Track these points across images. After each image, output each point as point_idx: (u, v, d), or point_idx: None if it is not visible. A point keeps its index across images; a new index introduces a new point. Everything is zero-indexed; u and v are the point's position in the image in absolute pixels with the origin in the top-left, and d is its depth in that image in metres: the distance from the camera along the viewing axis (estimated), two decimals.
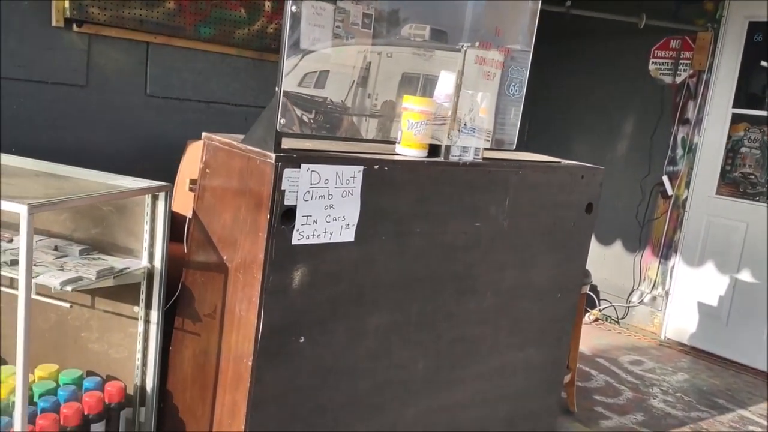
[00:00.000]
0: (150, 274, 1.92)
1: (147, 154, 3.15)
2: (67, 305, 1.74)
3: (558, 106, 4.85)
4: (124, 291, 1.93)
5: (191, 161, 2.94)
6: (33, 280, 1.62)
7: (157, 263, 1.91)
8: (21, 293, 1.49)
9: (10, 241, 1.93)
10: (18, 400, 1.53)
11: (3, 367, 1.94)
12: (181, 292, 1.93)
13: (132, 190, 1.82)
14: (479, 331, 2.23)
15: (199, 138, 3.01)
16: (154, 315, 1.93)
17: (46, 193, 1.67)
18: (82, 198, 1.70)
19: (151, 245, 1.91)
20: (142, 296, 1.93)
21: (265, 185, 1.64)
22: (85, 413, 1.77)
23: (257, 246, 1.67)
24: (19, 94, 2.74)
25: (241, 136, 1.78)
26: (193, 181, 2.00)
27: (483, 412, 2.35)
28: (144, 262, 1.91)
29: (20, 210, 1.47)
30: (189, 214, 2.01)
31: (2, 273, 1.72)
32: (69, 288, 1.67)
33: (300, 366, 1.79)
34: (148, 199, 1.89)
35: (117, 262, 1.87)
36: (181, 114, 3.25)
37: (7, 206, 1.51)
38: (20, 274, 1.49)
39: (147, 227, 1.90)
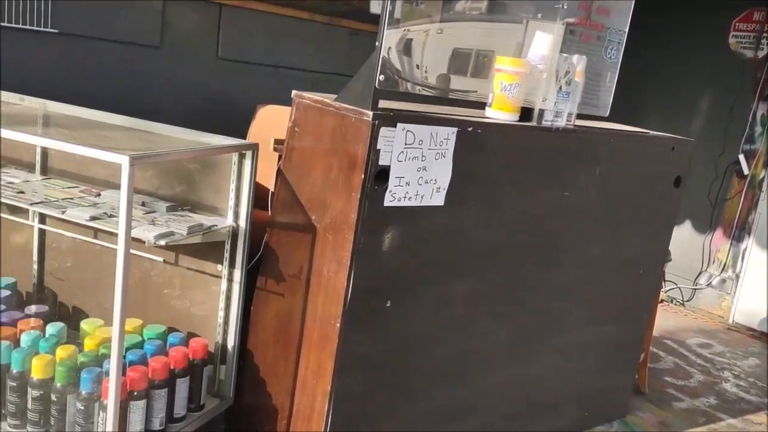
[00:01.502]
0: (234, 233, 1.91)
1: (216, 117, 3.14)
2: (160, 259, 1.74)
3: (628, 80, 4.67)
4: (207, 249, 1.93)
5: (261, 125, 2.92)
6: None
7: (242, 222, 1.90)
8: (120, 246, 1.49)
9: (98, 195, 1.95)
10: (113, 352, 1.54)
11: (88, 319, 1.97)
12: (264, 252, 1.92)
13: (222, 147, 1.80)
14: (561, 304, 2.17)
15: (268, 102, 3.01)
16: (237, 274, 1.93)
17: (142, 147, 1.66)
18: (179, 152, 1.69)
19: (237, 204, 1.89)
20: (226, 255, 1.93)
21: (360, 144, 1.60)
22: (171, 368, 1.78)
23: (349, 206, 1.64)
24: (96, 52, 2.76)
25: (333, 95, 1.74)
26: (278, 141, 1.98)
27: (558, 387, 2.30)
28: (229, 221, 1.90)
29: (122, 161, 1.46)
30: (272, 176, 1.99)
31: (92, 225, 1.73)
32: (162, 242, 1.66)
33: (385, 330, 1.76)
34: (234, 157, 1.87)
35: (204, 220, 1.86)
36: (250, 78, 3.23)
37: (108, 157, 1.51)
38: (120, 226, 1.49)
39: (233, 186, 1.89)
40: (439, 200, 1.75)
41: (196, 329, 2.00)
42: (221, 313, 1.96)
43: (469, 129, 1.75)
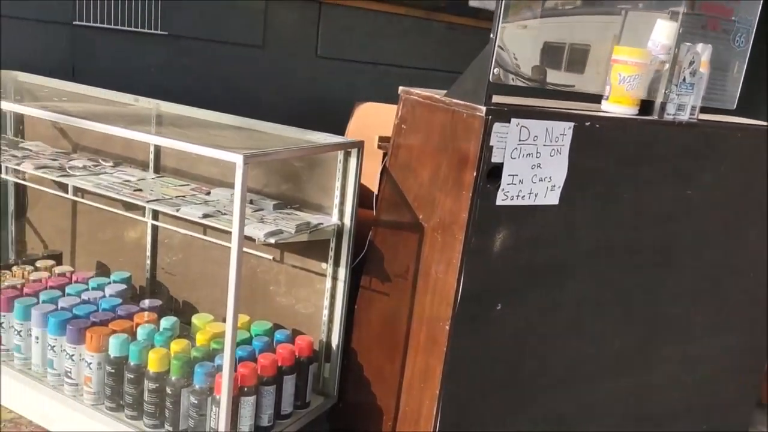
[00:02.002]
0: (339, 232, 1.90)
1: (315, 115, 3.17)
2: (270, 257, 1.76)
3: (758, 70, 4.35)
4: (312, 247, 1.93)
5: (359, 123, 2.92)
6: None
7: (347, 221, 1.88)
8: (234, 243, 1.51)
9: (208, 193, 1.99)
10: (227, 349, 1.56)
11: (199, 314, 2.01)
12: (369, 251, 1.89)
13: (329, 145, 1.79)
14: (677, 310, 2.04)
15: (365, 99, 3.00)
16: (342, 272, 1.92)
17: (252, 145, 1.68)
18: (290, 150, 1.69)
19: (342, 202, 1.88)
20: (331, 253, 1.92)
21: (472, 141, 1.54)
22: (279, 365, 1.79)
23: (460, 205, 1.58)
24: (203, 53, 2.83)
25: (441, 91, 1.69)
26: (382, 139, 1.95)
27: (673, 398, 2.16)
28: (334, 219, 1.89)
29: (236, 160, 1.47)
30: (374, 175, 1.97)
31: (205, 222, 1.76)
32: (272, 240, 1.67)
33: (495, 334, 1.70)
34: (340, 155, 1.85)
35: (310, 218, 1.86)
36: (348, 75, 3.24)
37: (223, 156, 1.53)
38: (234, 224, 1.50)
39: (338, 184, 1.88)
40: (553, 199, 1.67)
41: (301, 326, 2.01)
42: (326, 311, 1.96)
43: (587, 124, 1.66)
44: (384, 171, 1.84)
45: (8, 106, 2.08)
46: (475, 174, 1.54)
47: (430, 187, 1.68)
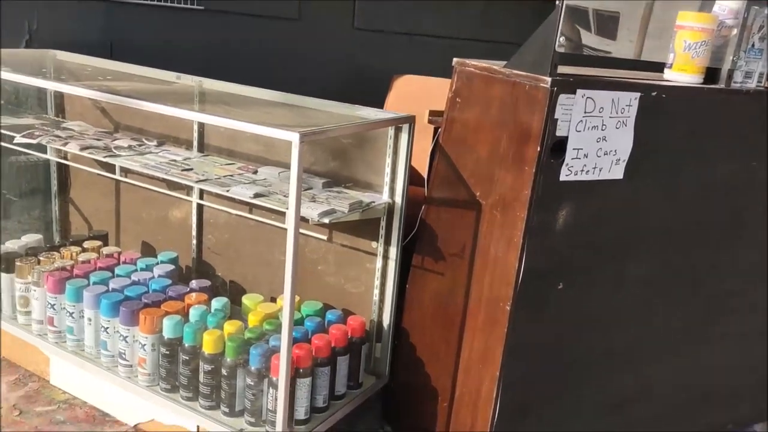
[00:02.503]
0: (390, 210, 1.85)
1: (352, 89, 3.10)
2: (323, 237, 1.72)
3: None
4: (361, 226, 1.89)
5: (397, 96, 2.85)
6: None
7: (398, 198, 1.84)
8: (290, 223, 1.47)
9: (255, 172, 1.95)
10: (284, 330, 1.53)
11: (249, 294, 1.99)
12: (421, 230, 1.85)
13: (382, 120, 1.74)
14: (742, 286, 1.96)
15: (403, 72, 2.92)
16: (393, 251, 1.87)
17: (303, 122, 1.63)
18: (344, 127, 1.64)
19: (393, 180, 1.83)
20: (382, 232, 1.88)
21: (535, 114, 1.48)
22: (333, 345, 1.76)
23: (521, 182, 1.52)
24: (239, 28, 2.77)
25: (500, 62, 1.63)
26: (433, 113, 1.89)
27: (736, 378, 2.10)
28: (385, 197, 1.84)
29: (292, 138, 1.43)
30: (422, 151, 1.92)
31: (256, 202, 1.72)
32: (326, 220, 1.63)
33: (557, 314, 1.65)
34: (391, 131, 1.80)
35: (360, 196, 1.81)
36: (385, 47, 3.16)
37: (279, 134, 1.48)
38: (290, 203, 1.46)
39: (389, 160, 1.82)
40: (618, 173, 1.60)
41: (351, 306, 1.98)
42: (376, 291, 1.92)
43: (653, 94, 1.58)
44: (436, 146, 1.78)
45: (52, 85, 2.06)
46: (538, 148, 1.47)
47: (488, 162, 1.62)
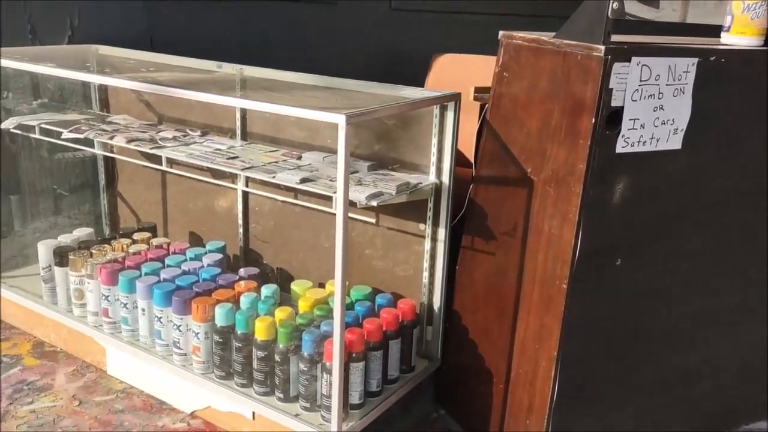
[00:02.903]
0: (437, 190, 1.82)
1: (391, 71, 3.06)
2: (372, 220, 1.70)
3: None
4: (408, 208, 1.86)
5: (438, 75, 2.80)
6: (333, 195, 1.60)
7: (445, 179, 1.80)
8: (339, 207, 1.45)
9: (299, 158, 1.94)
10: (336, 315, 1.52)
11: (298, 281, 1.98)
12: (469, 210, 1.81)
13: (426, 99, 1.70)
14: None
15: (442, 51, 2.87)
16: (441, 233, 1.84)
17: (347, 105, 1.60)
18: (389, 107, 1.61)
19: (439, 160, 1.80)
20: (429, 213, 1.85)
21: (588, 84, 1.42)
22: (384, 329, 1.75)
23: (575, 155, 1.47)
24: (275, 14, 2.76)
25: (548, 33, 1.57)
26: (478, 90, 1.85)
27: None
28: (431, 178, 1.81)
29: (338, 120, 1.40)
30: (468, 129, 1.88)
31: (304, 188, 1.71)
32: (374, 202, 1.61)
33: (614, 290, 1.60)
34: (436, 110, 1.76)
35: (406, 178, 1.79)
36: (423, 27, 3.11)
37: (324, 117, 1.46)
38: (338, 187, 1.44)
39: (435, 140, 1.79)
40: (676, 143, 1.53)
41: (399, 290, 1.96)
42: (425, 274, 1.90)
43: (711, 59, 1.51)
44: (483, 124, 1.74)
45: (97, 79, 2.08)
46: (593, 120, 1.42)
47: (539, 137, 1.57)
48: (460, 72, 2.73)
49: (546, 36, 1.54)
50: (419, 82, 2.76)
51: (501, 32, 1.65)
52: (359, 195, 1.61)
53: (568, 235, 1.51)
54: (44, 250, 2.11)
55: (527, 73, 1.59)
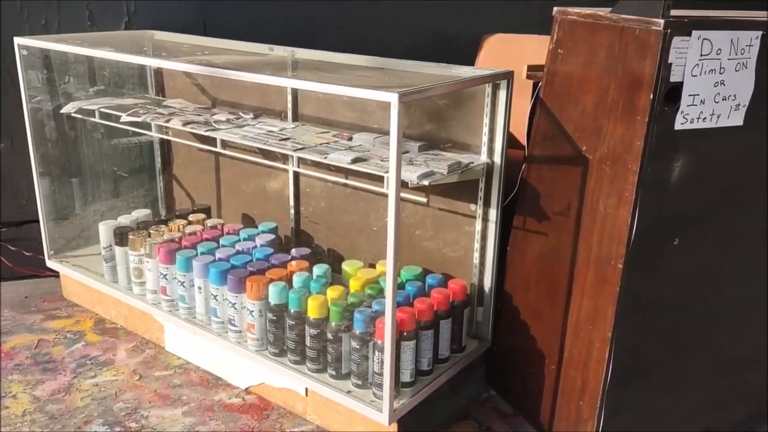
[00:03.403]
0: (489, 170, 1.81)
1: (440, 51, 3.03)
2: (424, 200, 1.70)
3: None
4: (459, 188, 1.85)
5: (489, 56, 2.77)
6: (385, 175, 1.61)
7: (497, 158, 1.79)
8: (391, 185, 1.46)
9: (350, 139, 1.95)
10: (388, 295, 1.53)
11: (349, 261, 2.00)
12: (521, 190, 1.80)
13: (478, 77, 1.69)
14: None
15: (492, 32, 2.83)
16: (493, 213, 1.83)
17: (399, 84, 1.60)
18: (441, 86, 1.61)
19: (491, 139, 1.79)
20: (481, 193, 1.84)
21: (647, 59, 1.39)
22: (435, 309, 1.75)
23: (633, 132, 1.44)
24: None
25: (604, 8, 1.54)
26: (532, 68, 1.82)
27: None
28: (483, 158, 1.80)
29: (391, 99, 1.41)
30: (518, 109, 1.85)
31: (356, 168, 1.72)
32: (426, 182, 1.61)
33: (671, 271, 1.57)
34: (488, 88, 1.75)
35: (459, 158, 1.78)
36: (471, 6, 3.07)
37: (377, 96, 1.47)
38: (390, 166, 1.45)
39: (486, 120, 1.78)
40: (737, 119, 1.49)
41: (450, 270, 1.96)
42: (476, 254, 1.89)
43: None
44: (537, 102, 1.72)
45: (156, 62, 2.13)
46: (651, 96, 1.39)
47: (594, 114, 1.54)
48: (510, 52, 2.70)
49: (602, 11, 1.51)
50: (468, 63, 2.73)
51: (555, 8, 1.62)
52: (411, 174, 1.61)
53: (624, 214, 1.48)
54: (105, 230, 2.19)
55: (583, 50, 1.56)
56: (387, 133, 1.94)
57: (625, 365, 1.59)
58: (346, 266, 1.96)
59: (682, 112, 1.42)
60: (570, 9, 1.58)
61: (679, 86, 1.40)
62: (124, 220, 2.23)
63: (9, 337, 2.20)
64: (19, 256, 2.52)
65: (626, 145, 1.46)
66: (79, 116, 2.29)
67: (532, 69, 1.79)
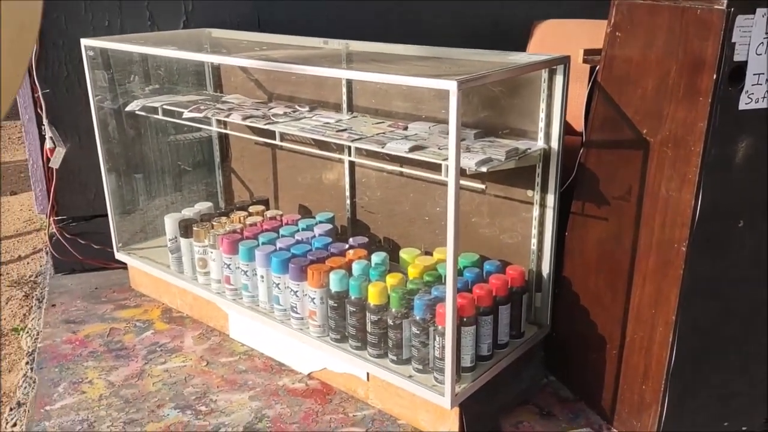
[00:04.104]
0: (546, 156, 1.81)
1: (490, 39, 3.02)
2: (482, 186, 1.72)
3: None
4: (515, 175, 1.86)
5: (540, 42, 2.75)
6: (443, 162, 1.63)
7: (554, 144, 1.79)
8: (451, 172, 1.48)
9: (405, 128, 1.98)
10: (448, 281, 1.55)
11: (406, 249, 2.03)
12: (580, 175, 1.79)
13: (535, 63, 1.69)
14: None
15: (544, 18, 2.81)
16: (550, 199, 1.83)
17: (456, 72, 1.62)
18: (500, 72, 1.62)
19: (548, 125, 1.79)
20: (538, 179, 1.84)
21: (709, 39, 1.37)
22: (494, 295, 1.77)
23: (695, 114, 1.43)
24: None
25: None
26: (589, 52, 1.81)
27: None
28: (540, 143, 1.80)
29: (450, 87, 1.43)
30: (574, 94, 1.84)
31: (413, 156, 1.74)
32: (484, 168, 1.63)
33: (735, 254, 1.55)
34: (544, 74, 1.75)
35: (515, 144, 1.79)
36: None
37: (436, 84, 1.49)
38: (450, 154, 1.47)
39: (543, 105, 1.78)
40: None
41: (507, 257, 1.97)
42: (534, 240, 1.90)
43: None
44: (594, 86, 1.71)
45: (218, 59, 2.19)
46: (714, 77, 1.37)
47: (655, 97, 1.53)
48: (562, 38, 2.68)
49: None
50: (518, 49, 2.72)
51: None
52: (468, 161, 1.63)
53: (688, 196, 1.47)
54: (171, 222, 2.27)
55: (641, 32, 1.55)
56: (441, 121, 1.97)
57: (690, 349, 1.58)
58: (403, 254, 1.99)
59: (747, 91, 1.39)
60: None
61: (743, 66, 1.38)
62: (188, 212, 2.31)
63: (82, 326, 2.31)
64: (89, 249, 2.64)
65: (689, 127, 1.45)
66: (142, 114, 2.38)
67: (589, 53, 1.78)
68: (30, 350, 2.23)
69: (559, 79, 1.73)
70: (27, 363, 2.16)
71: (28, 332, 2.38)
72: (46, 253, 2.84)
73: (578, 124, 2.00)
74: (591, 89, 1.74)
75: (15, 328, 2.48)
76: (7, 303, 2.67)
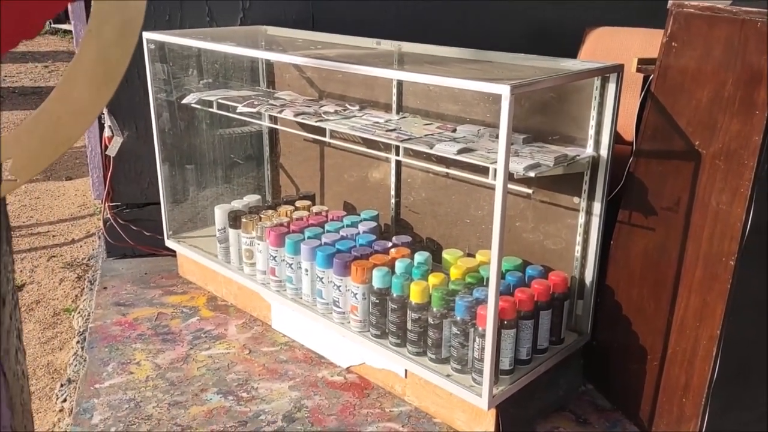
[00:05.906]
0: (594, 164, 1.81)
1: (541, 45, 3.02)
2: (529, 191, 1.73)
3: None
4: (562, 181, 1.86)
5: (592, 49, 2.73)
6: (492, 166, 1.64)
7: (603, 152, 1.79)
8: (499, 177, 1.49)
9: (454, 130, 2.00)
10: (492, 283, 1.57)
11: (449, 250, 2.05)
12: (628, 184, 1.79)
13: (588, 71, 1.70)
14: None
15: (596, 25, 2.79)
16: (597, 207, 1.83)
17: (509, 77, 1.63)
18: (554, 78, 1.63)
19: (597, 132, 1.79)
20: (585, 187, 1.84)
21: (766, 53, 1.36)
22: (535, 300, 1.78)
23: (750, 127, 1.42)
24: None
25: (722, 1, 1.51)
26: (642, 61, 1.80)
27: None
28: (589, 151, 1.80)
29: (502, 91, 1.44)
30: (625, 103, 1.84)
31: (461, 158, 1.76)
32: (532, 173, 1.64)
33: None
34: (597, 82, 1.75)
35: (564, 150, 1.79)
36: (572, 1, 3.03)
37: (488, 88, 1.51)
38: (499, 159, 1.48)
39: (593, 113, 1.78)
40: None
41: (550, 262, 1.97)
42: (578, 247, 1.89)
43: None
44: (647, 96, 1.71)
45: (275, 57, 2.24)
46: None
47: (709, 109, 1.52)
48: (614, 45, 2.65)
49: (721, 3, 1.48)
50: (568, 56, 2.71)
51: (671, 1, 1.60)
52: (517, 166, 1.64)
53: (739, 210, 1.46)
54: (220, 213, 2.34)
55: (699, 43, 1.54)
56: (490, 125, 1.99)
57: (735, 364, 1.56)
58: (446, 255, 2.01)
59: None
60: (686, 2, 1.56)
61: None
62: (237, 204, 2.37)
63: (131, 309, 2.40)
64: (140, 235, 2.73)
65: (743, 140, 1.43)
66: (198, 107, 2.45)
67: (643, 62, 1.78)
68: (81, 330, 2.32)
69: (611, 87, 1.73)
70: (78, 342, 2.26)
71: (79, 312, 2.48)
72: (99, 238, 2.95)
73: (626, 133, 1.99)
74: (644, 98, 1.73)
75: (67, 309, 2.58)
76: (60, 284, 2.78)
